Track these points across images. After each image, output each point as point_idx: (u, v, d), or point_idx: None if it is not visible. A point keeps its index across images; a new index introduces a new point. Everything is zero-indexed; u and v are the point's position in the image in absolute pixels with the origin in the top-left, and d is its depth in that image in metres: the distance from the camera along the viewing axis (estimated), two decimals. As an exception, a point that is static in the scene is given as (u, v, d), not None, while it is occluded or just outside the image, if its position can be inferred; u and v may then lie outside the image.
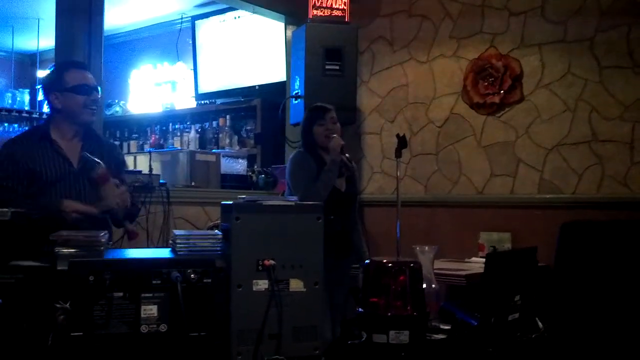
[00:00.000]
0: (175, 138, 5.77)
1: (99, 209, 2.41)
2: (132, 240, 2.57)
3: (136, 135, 6.20)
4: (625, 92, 3.75)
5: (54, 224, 2.03)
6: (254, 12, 4.94)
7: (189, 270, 1.52)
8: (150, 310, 1.49)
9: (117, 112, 6.37)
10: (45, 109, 2.74)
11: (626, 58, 3.75)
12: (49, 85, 2.59)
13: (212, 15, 5.75)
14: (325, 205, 1.71)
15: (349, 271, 3.34)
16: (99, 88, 2.66)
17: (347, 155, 3.31)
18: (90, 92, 2.57)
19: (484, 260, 1.79)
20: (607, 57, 3.81)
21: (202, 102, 5.83)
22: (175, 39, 6.01)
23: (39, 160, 2.50)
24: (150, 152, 4.49)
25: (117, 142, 6.20)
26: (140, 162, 4.63)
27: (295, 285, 1.60)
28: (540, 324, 1.91)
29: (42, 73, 7.21)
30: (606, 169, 3.80)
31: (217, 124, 5.55)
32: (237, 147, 5.31)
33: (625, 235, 3.48)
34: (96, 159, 2.41)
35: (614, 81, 3.78)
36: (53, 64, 2.74)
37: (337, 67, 4.15)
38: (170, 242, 1.68)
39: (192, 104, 5.98)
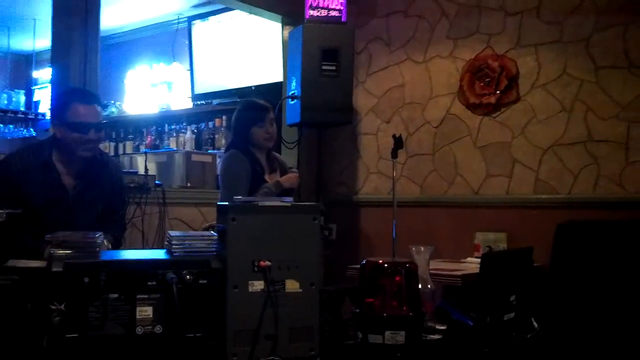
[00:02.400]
0: (171, 139, 5.76)
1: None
2: None
3: (132, 136, 6.19)
4: (621, 92, 3.75)
5: None
6: (250, 13, 4.93)
7: (184, 271, 1.52)
8: (145, 311, 1.48)
9: (112, 112, 6.36)
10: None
11: (622, 58, 3.76)
12: (53, 113, 2.48)
13: (208, 16, 5.75)
14: None
15: None
16: (101, 124, 2.52)
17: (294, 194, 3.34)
18: (86, 131, 2.44)
19: (479, 260, 1.79)
20: (603, 57, 3.82)
21: (198, 102, 5.83)
22: (171, 40, 6.01)
23: (34, 184, 2.42)
24: (146, 153, 4.49)
25: (112, 143, 6.21)
26: (136, 163, 4.63)
27: (291, 286, 1.59)
28: (535, 324, 1.91)
29: (38, 74, 7.22)
30: (601, 169, 3.80)
31: (213, 124, 5.54)
32: (233, 148, 5.30)
33: (621, 236, 3.48)
34: None
35: (610, 81, 3.79)
36: (58, 93, 2.56)
37: (334, 68, 4.14)
38: (166, 243, 1.68)
39: (188, 104, 5.97)
